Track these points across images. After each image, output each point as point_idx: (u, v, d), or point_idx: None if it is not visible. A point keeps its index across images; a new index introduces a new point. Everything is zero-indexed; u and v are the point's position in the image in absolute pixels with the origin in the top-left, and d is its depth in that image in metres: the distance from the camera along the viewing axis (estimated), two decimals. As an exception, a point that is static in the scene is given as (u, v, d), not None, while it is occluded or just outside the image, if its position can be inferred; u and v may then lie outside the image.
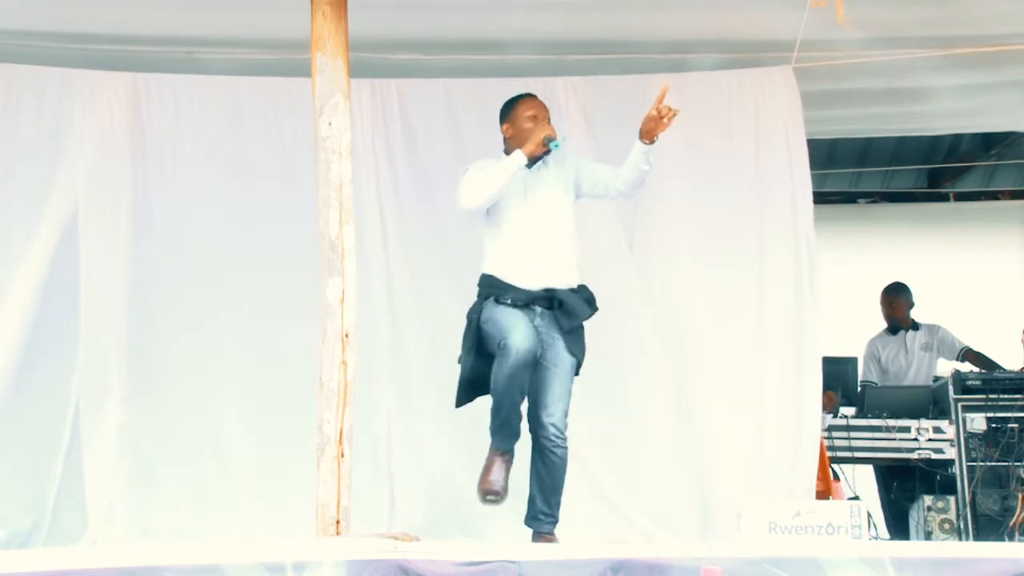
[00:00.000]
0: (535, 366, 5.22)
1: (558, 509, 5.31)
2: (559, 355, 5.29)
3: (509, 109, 5.51)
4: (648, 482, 6.38)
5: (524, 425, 5.30)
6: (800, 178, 6.64)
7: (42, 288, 6.39)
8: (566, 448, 5.26)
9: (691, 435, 6.47)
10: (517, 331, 5.13)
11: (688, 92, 6.71)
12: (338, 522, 4.65)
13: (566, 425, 5.26)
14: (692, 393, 6.52)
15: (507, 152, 5.42)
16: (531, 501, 5.31)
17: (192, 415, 6.40)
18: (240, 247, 6.57)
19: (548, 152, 5.34)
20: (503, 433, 5.20)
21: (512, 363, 5.07)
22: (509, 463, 5.22)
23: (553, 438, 5.22)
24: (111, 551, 5.12)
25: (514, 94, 5.57)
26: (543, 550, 4.63)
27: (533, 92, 5.62)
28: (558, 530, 5.41)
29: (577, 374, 5.37)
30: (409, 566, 4.20)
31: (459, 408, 5.44)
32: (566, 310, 5.31)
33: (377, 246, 6.52)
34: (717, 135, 6.72)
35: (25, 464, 6.30)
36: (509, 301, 5.25)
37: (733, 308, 6.56)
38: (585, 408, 6.13)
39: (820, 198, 9.06)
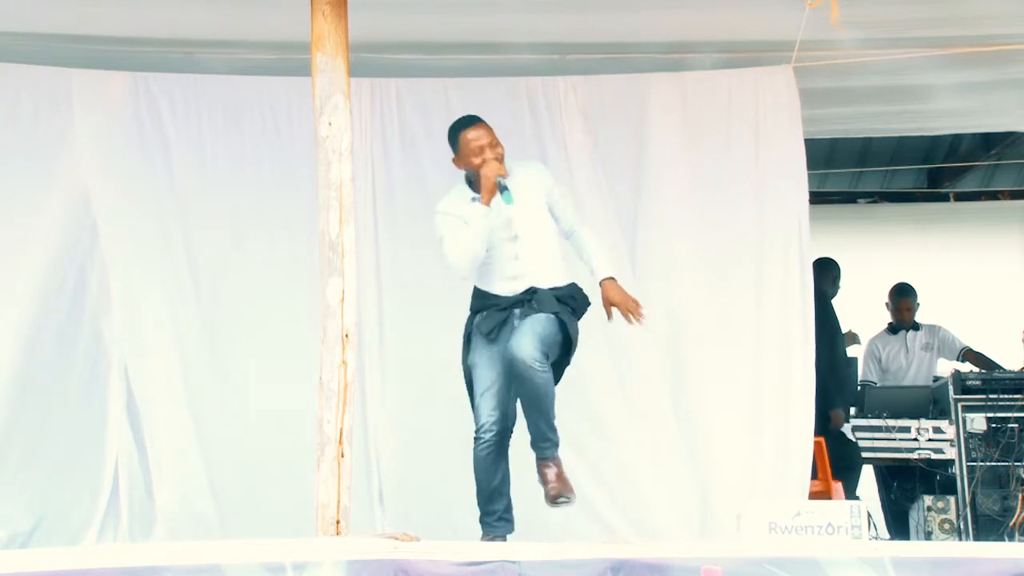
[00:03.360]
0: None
1: (554, 432, 5.25)
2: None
3: (454, 140, 5.43)
4: (648, 482, 6.37)
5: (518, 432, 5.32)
6: (798, 178, 6.64)
7: (42, 291, 6.38)
8: (544, 373, 5.13)
9: (691, 435, 6.47)
10: (484, 405, 5.25)
11: (688, 92, 6.74)
12: (338, 522, 4.65)
13: (539, 356, 5.11)
14: (691, 393, 6.52)
15: (467, 179, 5.39)
16: (528, 430, 5.29)
17: (192, 415, 6.40)
18: (239, 247, 6.56)
19: (504, 191, 5.26)
20: (492, 520, 5.27)
21: (483, 450, 5.25)
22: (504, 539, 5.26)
23: (521, 364, 5.10)
24: (111, 551, 5.13)
25: (458, 119, 5.49)
26: (543, 550, 4.63)
27: (475, 115, 5.49)
28: (558, 529, 5.44)
29: (568, 363, 5.36)
30: (409, 566, 4.20)
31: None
32: (536, 302, 5.28)
33: (370, 246, 6.52)
34: (717, 135, 6.72)
35: (25, 464, 6.30)
36: (484, 332, 5.28)
37: (731, 307, 6.57)
38: (585, 408, 6.16)
39: (820, 198, 9.13)
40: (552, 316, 5.26)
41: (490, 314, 5.34)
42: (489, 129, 5.39)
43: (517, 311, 5.32)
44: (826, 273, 7.79)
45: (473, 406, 5.36)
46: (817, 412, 6.66)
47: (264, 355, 6.41)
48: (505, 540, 5.23)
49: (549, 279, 5.35)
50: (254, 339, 6.45)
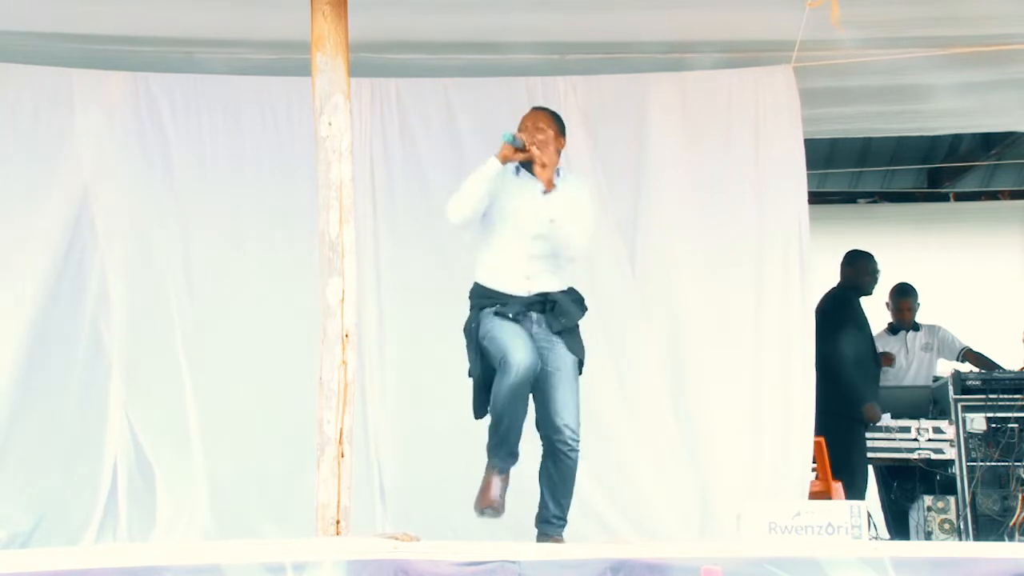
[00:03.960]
0: (540, 373, 5.23)
1: (567, 511, 5.30)
2: (561, 358, 5.29)
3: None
4: (648, 482, 6.37)
5: (527, 436, 5.28)
6: (797, 178, 6.64)
7: (42, 292, 6.38)
8: (578, 450, 5.26)
9: (691, 435, 6.47)
10: (516, 347, 5.13)
11: (688, 92, 6.74)
12: (338, 522, 4.65)
13: (579, 426, 5.26)
14: (691, 393, 6.51)
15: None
16: (542, 504, 5.30)
17: (191, 414, 6.39)
18: (239, 247, 6.56)
19: (522, 155, 5.30)
20: (501, 453, 5.18)
21: (513, 380, 5.08)
22: (506, 481, 5.19)
23: (569, 441, 5.23)
24: (111, 551, 5.13)
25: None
26: (543, 550, 4.63)
27: (543, 106, 5.64)
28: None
29: (580, 373, 5.37)
30: (409, 566, 4.20)
31: (479, 419, 5.36)
32: (558, 311, 5.31)
33: (369, 247, 6.51)
34: (717, 135, 6.72)
35: (25, 464, 6.30)
36: (506, 314, 5.23)
37: (731, 308, 6.57)
38: (585, 408, 6.13)
39: (820, 198, 9.12)
40: (577, 361, 5.30)
41: (511, 304, 5.27)
42: (549, 120, 5.47)
43: (533, 316, 5.29)
44: (847, 265, 7.79)
45: (471, 363, 5.28)
46: (847, 410, 6.69)
47: (264, 355, 6.40)
48: (508, 472, 5.17)
49: (556, 283, 5.37)
50: (254, 339, 6.44)
